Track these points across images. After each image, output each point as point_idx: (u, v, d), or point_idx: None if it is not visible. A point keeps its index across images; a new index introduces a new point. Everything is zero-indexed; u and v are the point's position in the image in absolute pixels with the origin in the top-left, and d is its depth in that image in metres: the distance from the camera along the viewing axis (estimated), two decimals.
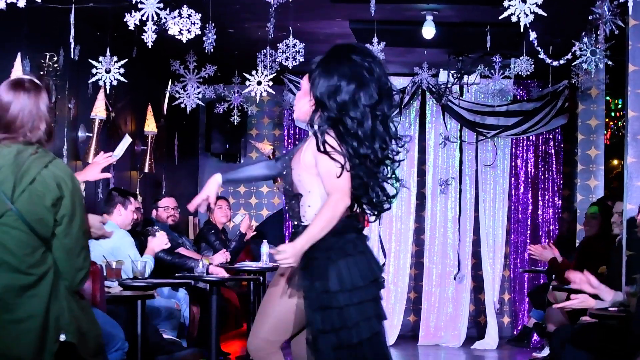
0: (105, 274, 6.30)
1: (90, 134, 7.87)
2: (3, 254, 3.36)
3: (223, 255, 8.45)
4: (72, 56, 6.79)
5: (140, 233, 7.64)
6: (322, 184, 4.01)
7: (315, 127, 4.01)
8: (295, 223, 4.13)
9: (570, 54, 6.82)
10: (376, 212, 4.15)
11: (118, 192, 7.33)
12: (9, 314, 3.34)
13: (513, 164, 10.36)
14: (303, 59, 7.08)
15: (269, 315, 4.14)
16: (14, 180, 3.36)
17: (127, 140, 5.85)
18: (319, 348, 3.97)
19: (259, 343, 4.16)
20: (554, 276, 8.14)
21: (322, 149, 3.94)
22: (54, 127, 7.17)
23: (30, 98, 3.47)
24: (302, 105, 4.14)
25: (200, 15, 6.15)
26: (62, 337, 3.42)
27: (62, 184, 3.43)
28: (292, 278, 4.07)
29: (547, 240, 10.18)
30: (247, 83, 7.77)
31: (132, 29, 6.10)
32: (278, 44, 7.26)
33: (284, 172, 4.12)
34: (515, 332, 10.29)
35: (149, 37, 6.04)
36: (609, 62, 7.21)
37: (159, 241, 7.22)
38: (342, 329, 3.95)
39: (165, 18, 6.06)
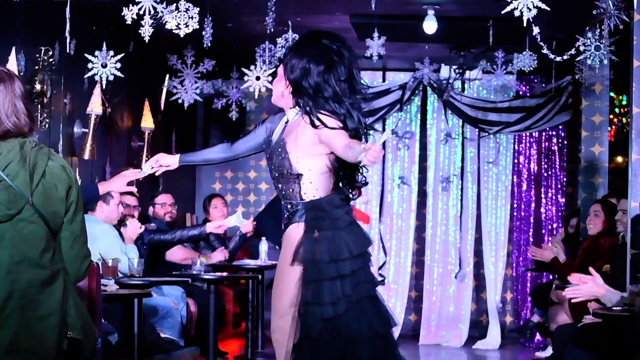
0: (101, 272, 6.25)
1: (86, 130, 7.83)
2: (25, 249, 3.36)
3: (222, 254, 8.45)
4: (68, 50, 6.71)
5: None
6: (320, 156, 4.15)
7: (305, 107, 4.17)
8: (294, 202, 4.21)
9: (573, 49, 6.75)
10: (350, 191, 4.32)
11: None
12: (33, 311, 3.34)
13: (515, 161, 10.29)
14: None
15: (283, 293, 4.13)
16: (28, 175, 3.36)
17: (154, 160, 5.86)
18: (308, 321, 4.03)
19: (279, 325, 4.15)
20: (556, 275, 8.08)
21: (317, 123, 4.10)
22: (50, 122, 7.20)
23: (7, 87, 3.46)
24: (277, 89, 4.35)
25: (198, 9, 6.12)
26: (69, 334, 3.42)
27: (69, 173, 3.47)
28: (298, 252, 4.11)
29: (549, 239, 10.11)
30: (246, 78, 7.77)
31: (129, 23, 6.08)
32: (277, 39, 7.21)
33: (281, 157, 4.20)
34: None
35: (146, 31, 6.03)
36: (614, 58, 7.15)
37: (132, 228, 7.26)
38: (340, 298, 4.05)
39: (162, 12, 6.04)
